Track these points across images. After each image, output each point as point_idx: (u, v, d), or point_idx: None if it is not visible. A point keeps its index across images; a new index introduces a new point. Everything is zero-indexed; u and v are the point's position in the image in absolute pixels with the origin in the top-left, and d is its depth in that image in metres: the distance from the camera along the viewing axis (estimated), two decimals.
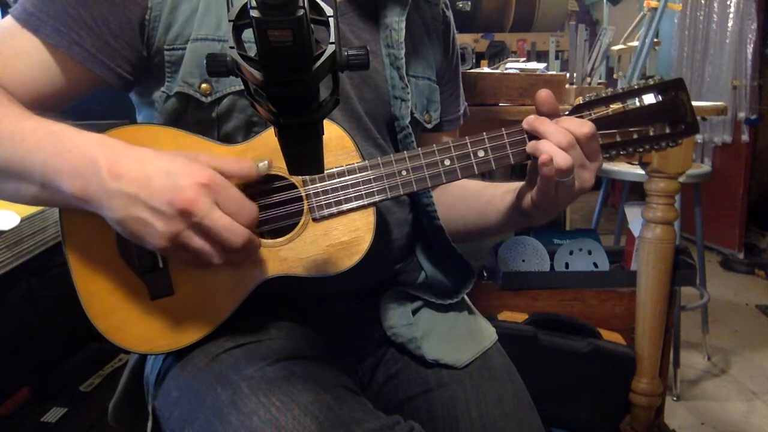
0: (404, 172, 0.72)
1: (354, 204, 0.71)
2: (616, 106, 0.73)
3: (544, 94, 0.71)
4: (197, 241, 0.59)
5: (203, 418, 0.65)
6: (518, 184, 0.77)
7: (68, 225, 0.69)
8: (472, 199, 0.87)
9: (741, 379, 2.21)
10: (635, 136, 0.74)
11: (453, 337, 0.84)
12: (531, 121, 0.70)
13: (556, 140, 0.67)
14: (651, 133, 0.74)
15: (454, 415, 0.76)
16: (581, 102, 0.73)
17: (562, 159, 0.66)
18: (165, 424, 0.72)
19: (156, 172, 0.58)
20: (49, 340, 1.35)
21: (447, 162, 0.72)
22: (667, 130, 0.74)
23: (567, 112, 0.73)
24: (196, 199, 0.57)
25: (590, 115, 0.73)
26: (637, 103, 0.73)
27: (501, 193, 0.82)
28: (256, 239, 0.62)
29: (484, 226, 0.86)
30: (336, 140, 0.72)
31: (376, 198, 0.71)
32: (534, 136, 0.70)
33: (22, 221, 1.02)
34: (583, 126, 0.68)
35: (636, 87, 0.73)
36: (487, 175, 0.74)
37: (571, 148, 0.67)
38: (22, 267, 1.03)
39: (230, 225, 0.59)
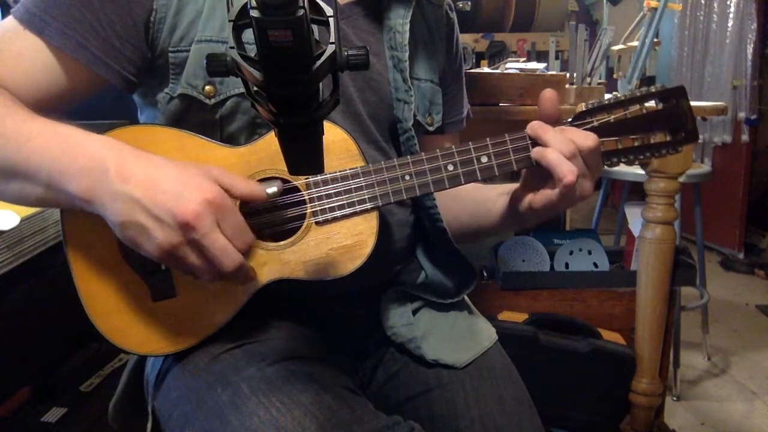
0: (407, 177, 0.72)
1: (357, 208, 0.71)
2: (617, 114, 0.73)
3: (548, 93, 0.71)
4: (192, 257, 0.58)
5: (203, 418, 0.65)
6: (512, 187, 0.77)
7: (70, 225, 0.69)
8: (467, 201, 0.87)
9: (741, 379, 2.21)
10: (636, 143, 0.74)
11: (453, 337, 0.83)
12: (535, 127, 0.70)
13: (561, 150, 0.67)
14: (651, 141, 0.74)
15: (454, 415, 0.76)
16: (584, 109, 0.73)
17: (568, 171, 0.66)
18: (165, 425, 0.72)
19: (165, 178, 0.58)
20: (49, 340, 1.35)
21: (450, 167, 0.72)
22: (668, 138, 0.74)
23: (570, 119, 0.74)
24: (200, 215, 0.56)
25: (592, 122, 0.73)
26: (639, 111, 0.73)
27: (495, 196, 0.82)
28: (246, 267, 0.62)
29: (477, 227, 0.86)
30: (339, 144, 0.71)
31: (379, 202, 0.71)
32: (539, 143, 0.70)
33: (22, 221, 1.02)
34: (587, 139, 0.68)
35: (638, 95, 0.73)
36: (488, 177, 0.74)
37: (573, 159, 0.67)
38: (22, 267, 1.03)
39: (226, 248, 0.58)
